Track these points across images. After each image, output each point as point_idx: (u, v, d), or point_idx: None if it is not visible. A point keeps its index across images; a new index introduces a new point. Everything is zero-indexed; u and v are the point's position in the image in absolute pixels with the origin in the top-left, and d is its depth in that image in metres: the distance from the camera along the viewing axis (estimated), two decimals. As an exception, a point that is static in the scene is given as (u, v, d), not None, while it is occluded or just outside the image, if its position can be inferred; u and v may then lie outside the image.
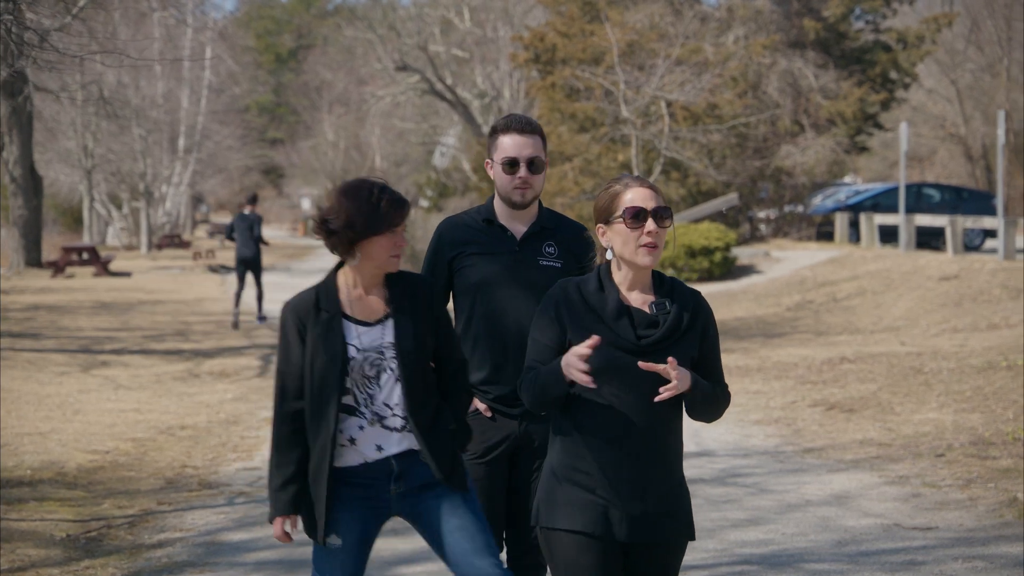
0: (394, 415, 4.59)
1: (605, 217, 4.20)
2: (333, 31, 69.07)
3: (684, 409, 4.19)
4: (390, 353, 4.57)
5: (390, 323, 4.59)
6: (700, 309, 4.21)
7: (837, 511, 8.54)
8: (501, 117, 5.30)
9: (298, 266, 46.18)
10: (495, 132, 5.24)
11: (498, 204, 5.28)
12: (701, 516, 8.13)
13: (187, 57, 43.87)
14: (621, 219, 4.15)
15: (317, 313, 4.58)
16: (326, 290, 4.62)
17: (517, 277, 5.15)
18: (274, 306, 27.61)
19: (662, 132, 27.15)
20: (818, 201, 36.87)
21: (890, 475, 9.58)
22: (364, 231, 4.49)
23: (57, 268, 32.26)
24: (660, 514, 4.15)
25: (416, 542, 7.11)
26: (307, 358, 4.57)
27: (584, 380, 3.98)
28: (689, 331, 4.18)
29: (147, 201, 47.76)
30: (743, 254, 30.46)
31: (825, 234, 34.41)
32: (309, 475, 4.63)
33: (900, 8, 39.38)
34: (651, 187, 4.20)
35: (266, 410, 13.24)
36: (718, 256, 28.06)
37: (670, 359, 4.01)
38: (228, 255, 47.81)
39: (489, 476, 5.14)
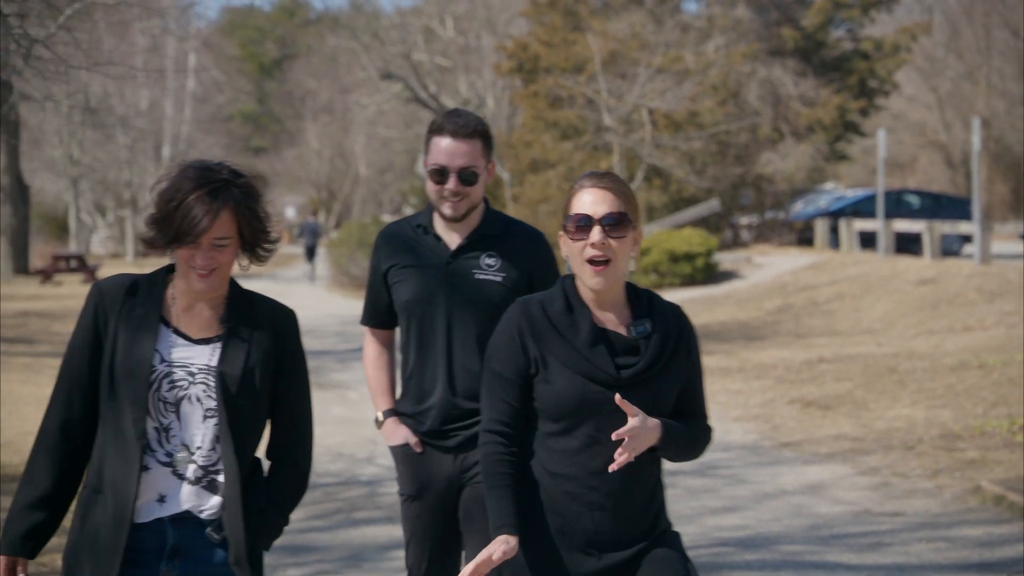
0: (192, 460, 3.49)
1: (563, 222, 3.47)
2: (316, 40, 69.37)
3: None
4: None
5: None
6: (684, 329, 3.50)
7: (810, 499, 8.93)
8: (443, 112, 4.56)
9: (283, 273, 46.52)
10: (431, 131, 4.49)
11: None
12: (681, 504, 8.51)
13: (171, 67, 44.19)
14: (566, 227, 3.44)
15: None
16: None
17: (448, 295, 4.43)
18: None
19: (644, 139, 27.51)
20: (799, 207, 37.35)
21: (862, 466, 9.98)
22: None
23: (45, 275, 32.58)
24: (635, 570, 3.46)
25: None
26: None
27: None
28: (674, 357, 3.46)
29: (132, 209, 48.06)
30: (725, 259, 30.87)
31: (805, 240, 34.86)
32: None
33: (878, 17, 39.88)
34: (611, 188, 3.43)
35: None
36: (700, 261, 28.44)
37: (634, 413, 3.32)
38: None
39: (425, 515, 4.46)
